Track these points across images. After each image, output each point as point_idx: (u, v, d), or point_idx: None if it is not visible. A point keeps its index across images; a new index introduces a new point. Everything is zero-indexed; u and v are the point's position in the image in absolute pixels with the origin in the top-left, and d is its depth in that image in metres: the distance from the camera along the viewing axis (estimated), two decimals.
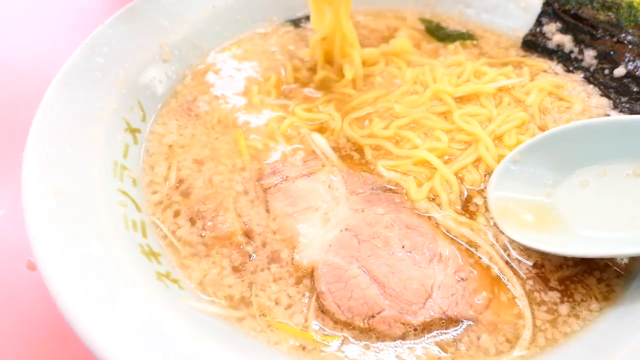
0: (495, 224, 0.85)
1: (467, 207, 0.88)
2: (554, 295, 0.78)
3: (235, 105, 1.06)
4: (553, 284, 0.79)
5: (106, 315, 0.62)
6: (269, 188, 0.89)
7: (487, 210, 0.87)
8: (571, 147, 0.87)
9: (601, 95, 1.08)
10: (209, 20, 1.18)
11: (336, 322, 0.73)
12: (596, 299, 0.78)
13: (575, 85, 1.10)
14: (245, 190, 0.89)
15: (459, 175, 0.92)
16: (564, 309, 0.77)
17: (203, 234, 0.83)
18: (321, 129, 1.02)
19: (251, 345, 0.71)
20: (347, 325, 0.73)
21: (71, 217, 0.72)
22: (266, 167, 0.93)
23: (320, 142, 0.98)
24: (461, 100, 1.06)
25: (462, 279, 0.77)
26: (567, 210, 0.84)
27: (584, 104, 1.06)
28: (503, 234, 0.84)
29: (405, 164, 0.93)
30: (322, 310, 0.75)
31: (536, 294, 0.78)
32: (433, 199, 0.89)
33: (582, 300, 0.78)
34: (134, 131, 0.95)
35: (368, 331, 0.72)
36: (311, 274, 0.78)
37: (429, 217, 0.86)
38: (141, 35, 1.04)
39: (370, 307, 0.73)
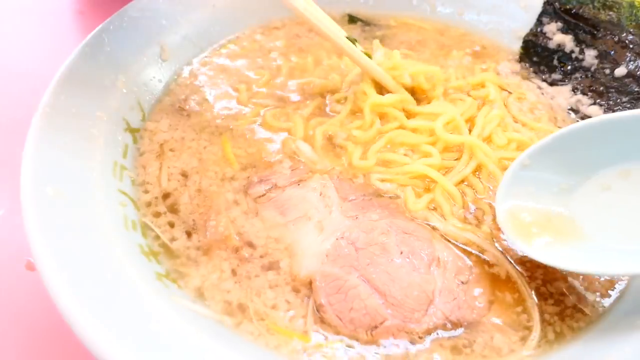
0: (505, 238, 0.79)
1: (474, 215, 0.87)
2: (557, 291, 0.78)
3: (225, 106, 1.05)
4: (554, 282, 0.79)
5: (106, 315, 0.61)
6: (259, 197, 0.87)
7: (493, 220, 0.84)
8: (588, 147, 0.77)
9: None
10: (209, 20, 1.17)
11: (338, 334, 0.72)
12: (600, 295, 0.78)
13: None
14: (235, 200, 0.87)
15: (462, 185, 0.90)
16: (568, 306, 0.77)
17: (198, 240, 0.82)
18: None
19: (251, 348, 0.70)
20: (350, 337, 0.72)
21: (70, 217, 0.71)
22: (253, 176, 0.91)
23: (305, 149, 0.95)
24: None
25: (462, 282, 0.76)
26: (587, 219, 0.76)
27: (536, 95, 1.10)
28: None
29: (401, 178, 0.90)
30: (323, 322, 0.73)
31: (540, 291, 0.78)
32: (434, 208, 0.87)
33: (584, 298, 0.78)
34: (133, 131, 0.95)
35: (372, 342, 0.71)
36: (309, 285, 0.76)
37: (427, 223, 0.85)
38: (141, 35, 1.04)
39: (372, 318, 0.71)
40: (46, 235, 0.66)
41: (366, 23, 1.30)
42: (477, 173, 0.92)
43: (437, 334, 0.72)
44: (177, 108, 1.03)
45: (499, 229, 0.82)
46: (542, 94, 1.13)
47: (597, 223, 0.76)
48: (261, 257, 0.80)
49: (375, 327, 0.71)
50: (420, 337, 0.71)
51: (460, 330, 0.73)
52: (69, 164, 0.78)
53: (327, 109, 1.05)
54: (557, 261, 0.72)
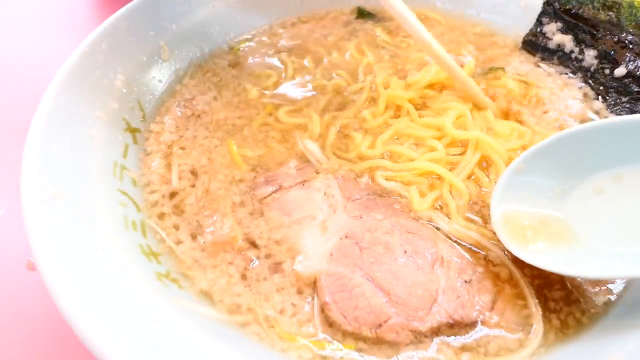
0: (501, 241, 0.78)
1: (478, 212, 0.87)
2: (559, 293, 0.78)
3: (235, 106, 1.05)
4: (556, 283, 0.79)
5: (106, 315, 0.61)
6: (264, 198, 0.87)
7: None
8: (581, 151, 0.79)
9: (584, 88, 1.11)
10: (209, 20, 1.17)
11: (344, 333, 0.72)
12: (601, 293, 0.78)
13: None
14: (242, 202, 0.87)
15: (470, 179, 0.90)
16: (570, 304, 0.77)
17: (202, 242, 0.81)
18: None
19: (255, 349, 0.70)
20: (355, 336, 0.72)
21: (71, 217, 0.72)
22: (259, 177, 0.91)
23: (313, 148, 0.96)
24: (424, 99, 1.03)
25: (465, 281, 0.76)
26: (581, 222, 0.77)
27: (550, 90, 1.08)
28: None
29: (406, 176, 0.90)
30: (329, 323, 0.73)
31: (542, 289, 0.78)
32: (440, 207, 0.87)
33: (585, 297, 0.78)
34: (133, 131, 0.95)
35: (376, 340, 0.71)
36: (314, 284, 0.77)
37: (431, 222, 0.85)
38: (141, 35, 1.04)
39: (376, 316, 0.72)
40: (46, 235, 0.66)
41: (377, 16, 1.30)
42: (483, 164, 0.92)
43: (441, 333, 0.72)
44: (183, 108, 1.03)
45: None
46: (554, 81, 1.11)
47: (591, 226, 0.76)
48: (266, 257, 0.80)
49: (380, 325, 0.71)
50: (425, 336, 0.72)
51: (463, 330, 0.73)
52: (69, 164, 0.78)
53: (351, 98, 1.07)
54: (551, 265, 0.73)
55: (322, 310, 0.74)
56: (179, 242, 0.82)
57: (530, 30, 1.21)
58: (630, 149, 0.76)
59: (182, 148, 0.96)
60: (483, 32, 1.27)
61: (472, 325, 0.74)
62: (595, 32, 1.12)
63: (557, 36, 1.16)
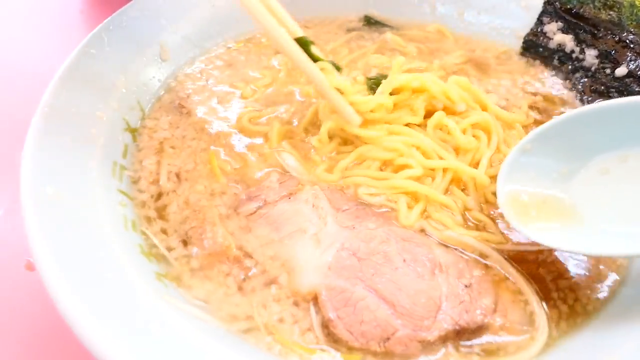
0: (507, 221, 0.79)
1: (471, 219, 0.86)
2: (559, 288, 0.78)
3: (225, 106, 1.04)
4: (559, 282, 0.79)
5: (106, 315, 0.61)
6: (250, 215, 0.84)
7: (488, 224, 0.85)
8: (588, 132, 0.79)
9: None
10: (209, 20, 1.17)
11: (350, 349, 0.70)
12: (602, 287, 0.78)
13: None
14: (228, 215, 0.84)
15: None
16: (571, 299, 0.77)
17: (195, 251, 0.79)
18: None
19: (255, 350, 0.70)
20: (362, 351, 0.70)
21: (70, 217, 0.71)
22: (241, 194, 0.87)
23: (290, 161, 0.93)
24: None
25: (465, 285, 0.75)
26: (587, 202, 0.78)
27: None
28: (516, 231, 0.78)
29: (389, 193, 0.87)
30: (334, 340, 0.71)
31: (541, 287, 0.78)
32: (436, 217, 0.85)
33: (585, 291, 0.78)
34: (133, 131, 0.95)
35: (385, 354, 0.69)
36: (314, 300, 0.74)
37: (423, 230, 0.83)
38: (141, 35, 1.04)
39: (383, 329, 0.70)
40: (46, 235, 0.66)
41: (386, 26, 1.28)
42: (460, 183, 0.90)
43: (449, 341, 0.71)
44: (177, 106, 1.03)
45: (494, 230, 0.84)
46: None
47: (595, 206, 0.77)
48: (262, 273, 0.78)
49: (387, 338, 0.69)
50: (434, 344, 0.70)
51: (471, 335, 0.72)
52: (69, 164, 0.78)
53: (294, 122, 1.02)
54: (554, 242, 0.74)
55: (326, 327, 0.71)
56: (170, 249, 0.80)
57: (531, 29, 1.21)
58: (637, 130, 0.76)
59: (172, 147, 0.94)
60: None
61: (478, 330, 0.72)
62: (596, 32, 1.12)
63: (558, 36, 1.16)
